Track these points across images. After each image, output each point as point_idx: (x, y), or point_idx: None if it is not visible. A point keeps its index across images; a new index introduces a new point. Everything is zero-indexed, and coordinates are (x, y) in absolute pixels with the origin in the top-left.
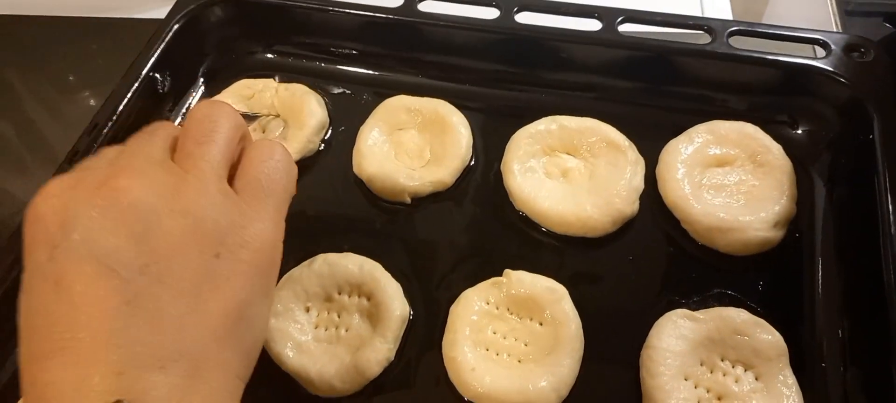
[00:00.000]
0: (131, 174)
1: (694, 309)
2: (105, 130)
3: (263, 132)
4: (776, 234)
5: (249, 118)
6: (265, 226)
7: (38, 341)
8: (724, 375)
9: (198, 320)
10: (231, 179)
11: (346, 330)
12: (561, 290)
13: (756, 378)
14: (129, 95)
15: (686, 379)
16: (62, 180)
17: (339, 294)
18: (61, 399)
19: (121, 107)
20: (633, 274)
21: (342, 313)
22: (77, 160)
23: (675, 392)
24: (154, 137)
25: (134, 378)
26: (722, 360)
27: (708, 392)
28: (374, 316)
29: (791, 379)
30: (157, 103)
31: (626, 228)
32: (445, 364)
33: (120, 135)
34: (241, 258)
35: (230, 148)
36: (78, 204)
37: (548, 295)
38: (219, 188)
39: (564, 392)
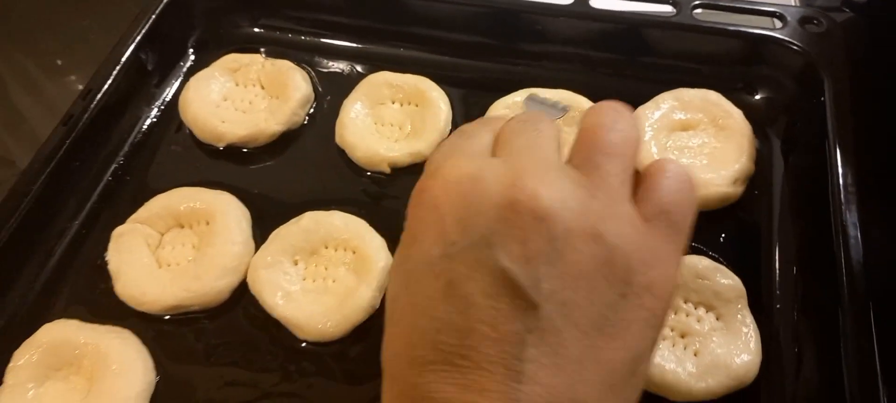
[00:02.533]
0: (538, 179)
1: None
2: (93, 104)
3: None
4: (736, 190)
5: (558, 110)
6: (669, 270)
7: (419, 343)
8: (687, 315)
9: (594, 367)
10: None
11: (333, 281)
12: None
13: (717, 318)
14: (119, 65)
15: None
16: (459, 165)
17: (326, 248)
18: None
19: (112, 77)
20: None
21: (329, 266)
22: (68, 128)
23: None
24: (540, 134)
25: None
26: (685, 302)
27: (672, 330)
28: (359, 267)
29: (749, 319)
30: (146, 75)
31: None
32: None
33: (112, 103)
34: (644, 303)
35: (633, 163)
36: (481, 203)
37: None
38: (628, 213)
39: None
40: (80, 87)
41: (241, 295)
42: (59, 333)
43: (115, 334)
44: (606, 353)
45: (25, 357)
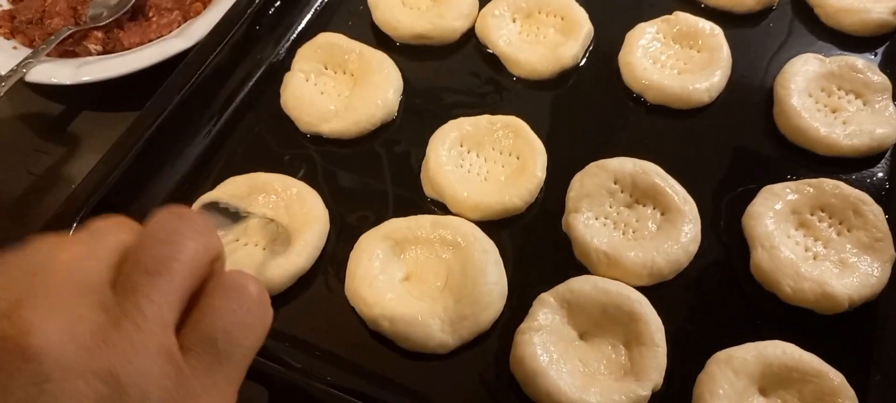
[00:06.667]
0: (49, 306)
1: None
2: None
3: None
4: (893, 19)
5: (231, 216)
6: None
7: None
8: (839, 99)
9: None
10: (181, 325)
11: (545, 37)
12: (718, 29)
13: (864, 104)
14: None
15: (809, 96)
16: None
17: (539, 13)
18: None
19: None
20: (774, 34)
21: (541, 26)
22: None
23: (801, 103)
24: (100, 245)
25: None
26: (838, 89)
27: (825, 107)
28: (566, 30)
29: (891, 108)
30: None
31: (768, 11)
32: (621, 68)
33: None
34: None
35: (190, 281)
36: None
37: (707, 30)
38: (159, 345)
39: (715, 93)
40: None
41: (468, 39)
42: (333, 40)
43: (373, 51)
44: None
45: (309, 50)
